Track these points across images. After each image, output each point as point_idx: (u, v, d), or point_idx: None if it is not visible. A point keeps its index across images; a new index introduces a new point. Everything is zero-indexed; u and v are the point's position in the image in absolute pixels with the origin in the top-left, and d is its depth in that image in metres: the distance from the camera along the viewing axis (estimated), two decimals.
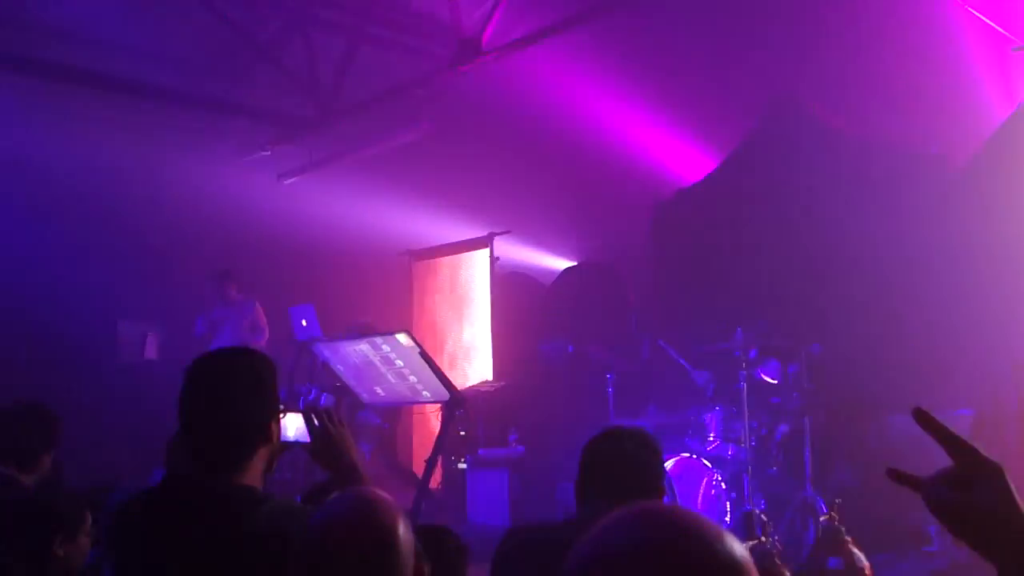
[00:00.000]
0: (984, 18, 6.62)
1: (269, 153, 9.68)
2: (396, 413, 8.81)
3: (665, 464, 5.92)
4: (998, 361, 5.80)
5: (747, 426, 6.01)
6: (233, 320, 8.52)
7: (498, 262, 9.71)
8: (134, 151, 9.07)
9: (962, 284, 6.59)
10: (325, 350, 5.99)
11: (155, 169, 9.27)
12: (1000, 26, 6.61)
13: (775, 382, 6.45)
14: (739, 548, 1.02)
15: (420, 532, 2.20)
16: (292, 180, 10.00)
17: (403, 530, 1.65)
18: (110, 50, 8.16)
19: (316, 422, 2.31)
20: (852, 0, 7.04)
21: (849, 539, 4.45)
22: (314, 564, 1.61)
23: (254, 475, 2.06)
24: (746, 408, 6.01)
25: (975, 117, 6.92)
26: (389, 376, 5.50)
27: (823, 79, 7.53)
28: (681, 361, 6.64)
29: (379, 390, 5.72)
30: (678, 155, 9.00)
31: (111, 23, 7.88)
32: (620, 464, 2.52)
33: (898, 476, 1.37)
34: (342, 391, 6.61)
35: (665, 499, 5.55)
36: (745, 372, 6.04)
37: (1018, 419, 5.36)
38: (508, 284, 9.80)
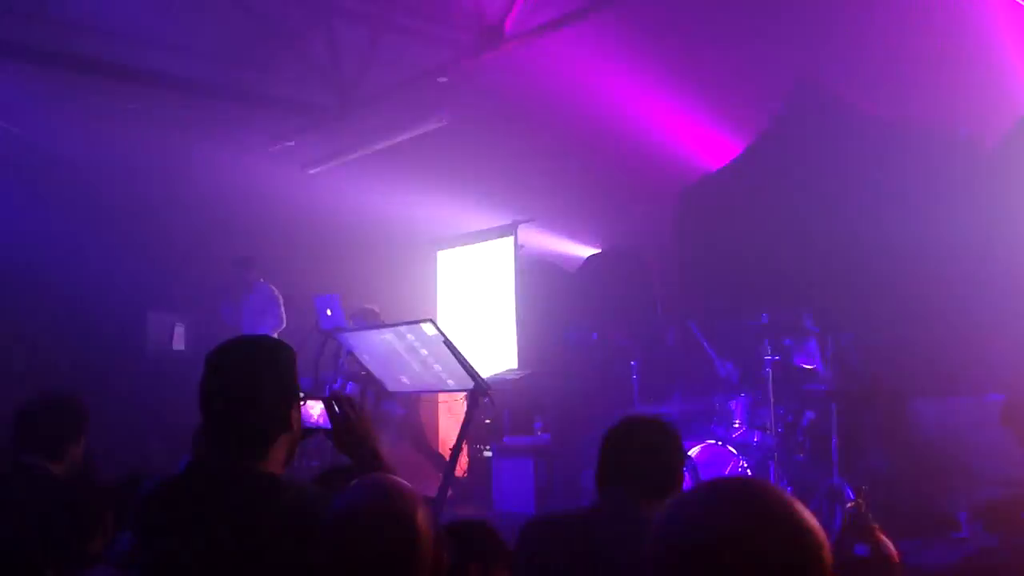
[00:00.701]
0: None
1: (293, 143, 9.72)
2: (419, 402, 8.85)
3: (687, 452, 5.90)
4: None
5: (773, 413, 5.98)
6: (251, 306, 8.62)
7: (522, 250, 9.70)
8: (160, 142, 9.16)
9: (992, 268, 6.51)
10: (350, 339, 6.02)
11: (181, 160, 9.36)
12: None
13: (811, 367, 6.40)
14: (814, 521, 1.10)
15: (457, 529, 2.23)
16: (317, 170, 10.05)
17: (422, 517, 1.66)
18: (134, 42, 8.22)
19: (337, 409, 2.33)
20: None
21: (876, 526, 4.41)
22: (334, 550, 1.62)
23: (276, 462, 2.08)
24: (772, 395, 5.97)
25: (1005, 99, 6.80)
26: (414, 365, 5.52)
27: (848, 61, 7.44)
28: (708, 350, 6.59)
29: (404, 379, 5.75)
30: (703, 140, 8.94)
31: (135, 15, 7.94)
32: (638, 453, 2.54)
33: None
34: (367, 380, 6.65)
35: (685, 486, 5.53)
36: (770, 359, 6.00)
37: None
38: (533, 272, 9.80)
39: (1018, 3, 6.41)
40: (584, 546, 2.35)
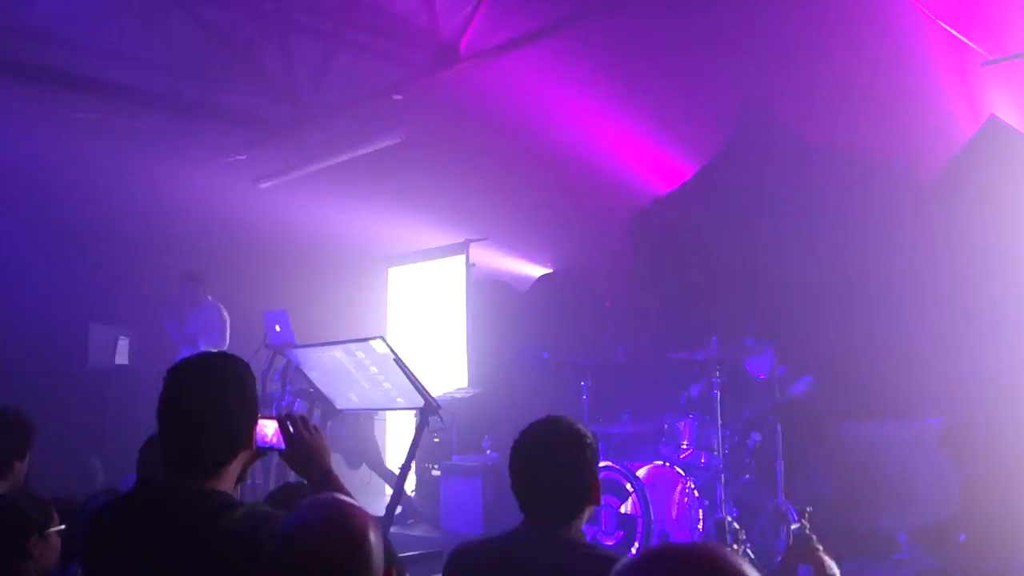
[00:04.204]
0: (955, 32, 6.73)
1: (245, 157, 9.63)
2: (369, 419, 8.78)
3: (632, 470, 5.94)
4: (967, 371, 5.88)
5: (720, 434, 6.05)
6: (195, 322, 8.47)
7: (474, 268, 9.72)
8: (108, 153, 9.00)
9: (931, 295, 6.69)
10: (299, 355, 5.97)
11: (129, 171, 9.20)
12: (970, 40, 6.72)
13: (763, 379, 6.49)
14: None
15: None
16: (268, 184, 9.96)
17: (373, 536, 1.66)
18: (84, 51, 8.09)
19: (292, 429, 2.31)
20: (825, 13, 7.12)
21: (819, 546, 4.49)
22: (285, 569, 1.61)
23: (229, 480, 2.06)
24: (719, 416, 6.05)
25: (944, 130, 7.01)
26: (363, 382, 5.48)
27: (797, 91, 7.61)
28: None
29: (353, 396, 5.71)
30: (655, 163, 9.06)
31: (85, 24, 7.82)
32: (546, 478, 2.38)
33: None
34: (315, 397, 6.59)
35: (634, 509, 5.55)
36: (719, 380, 6.08)
37: (986, 428, 5.43)
38: (484, 291, 9.81)
39: (959, 40, 6.63)
40: (508, 571, 2.32)
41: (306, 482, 2.31)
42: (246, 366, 2.16)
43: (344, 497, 1.79)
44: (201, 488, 2.01)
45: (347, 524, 1.64)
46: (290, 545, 1.61)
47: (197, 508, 1.98)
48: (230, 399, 2.07)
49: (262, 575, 1.64)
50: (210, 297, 8.57)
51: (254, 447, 2.14)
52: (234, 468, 2.08)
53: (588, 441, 2.44)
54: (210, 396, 2.06)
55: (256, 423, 2.13)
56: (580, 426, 2.48)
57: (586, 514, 2.43)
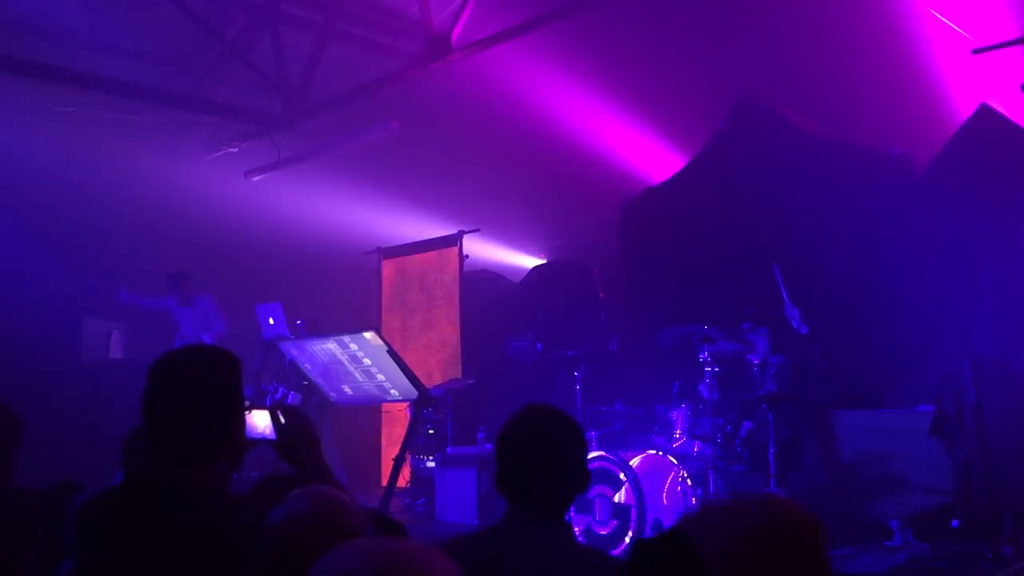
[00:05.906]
0: (946, 20, 6.75)
1: (236, 150, 9.61)
2: (363, 412, 8.79)
3: (626, 461, 5.96)
4: (958, 358, 5.91)
5: (713, 423, 6.07)
6: (193, 318, 8.47)
7: (467, 260, 9.72)
8: (100, 146, 8.97)
9: (923, 282, 6.71)
10: (292, 348, 5.97)
11: (121, 165, 9.18)
12: (961, 28, 6.73)
13: (757, 362, 6.50)
14: None
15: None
16: (260, 177, 9.94)
17: (361, 528, 1.66)
18: (75, 45, 8.05)
19: (283, 420, 2.31)
20: (817, 2, 7.13)
21: None
22: (273, 562, 1.61)
23: (218, 474, 2.06)
24: (711, 405, 6.07)
25: (937, 118, 7.03)
26: (357, 375, 5.49)
27: (789, 79, 7.62)
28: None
29: (347, 389, 5.71)
30: (646, 154, 9.07)
31: (76, 17, 7.78)
32: (535, 471, 2.29)
33: None
34: (309, 390, 6.59)
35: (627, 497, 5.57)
36: (710, 370, 6.10)
37: (977, 415, 5.46)
38: (477, 282, 9.82)
39: (950, 28, 6.65)
40: (492, 564, 2.30)
41: (295, 473, 2.31)
42: (229, 357, 2.15)
43: (333, 489, 1.79)
44: (188, 481, 2.01)
45: (334, 516, 1.64)
46: (278, 537, 1.62)
47: (185, 501, 1.98)
48: (209, 392, 2.07)
49: (250, 567, 1.65)
50: (193, 292, 8.58)
51: (243, 439, 2.13)
52: (222, 461, 2.07)
53: (578, 428, 2.43)
54: (188, 390, 2.05)
55: (242, 415, 2.13)
56: (565, 413, 2.45)
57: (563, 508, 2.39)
